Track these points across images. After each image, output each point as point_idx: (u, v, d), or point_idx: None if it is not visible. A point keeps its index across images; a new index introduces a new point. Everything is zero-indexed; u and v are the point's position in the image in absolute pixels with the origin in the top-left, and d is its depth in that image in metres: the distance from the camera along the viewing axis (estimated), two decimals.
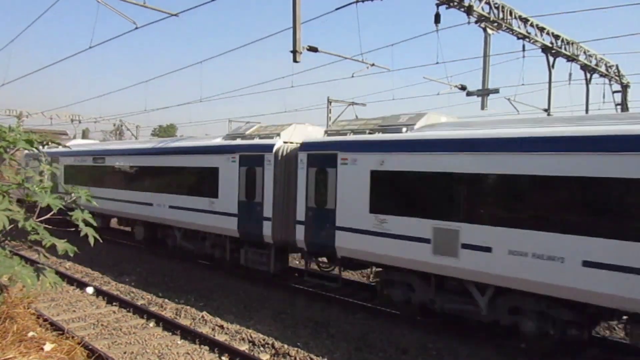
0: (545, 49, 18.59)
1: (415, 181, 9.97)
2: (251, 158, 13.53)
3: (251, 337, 9.46)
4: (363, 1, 12.95)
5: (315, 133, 13.48)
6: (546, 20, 18.31)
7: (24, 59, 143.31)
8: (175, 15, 13.12)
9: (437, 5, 14.40)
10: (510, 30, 16.82)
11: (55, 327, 9.37)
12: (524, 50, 17.68)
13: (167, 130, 79.08)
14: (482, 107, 16.89)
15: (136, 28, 13.50)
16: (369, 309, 11.53)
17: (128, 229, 21.22)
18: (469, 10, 15.05)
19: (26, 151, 22.37)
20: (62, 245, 5.35)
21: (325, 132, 12.77)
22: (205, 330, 9.98)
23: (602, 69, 21.93)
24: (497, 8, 16.11)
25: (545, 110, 19.40)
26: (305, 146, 12.24)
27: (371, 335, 9.87)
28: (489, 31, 15.97)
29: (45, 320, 9.58)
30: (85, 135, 54.83)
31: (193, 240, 16.15)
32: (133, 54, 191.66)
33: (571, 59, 19.90)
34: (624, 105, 23.02)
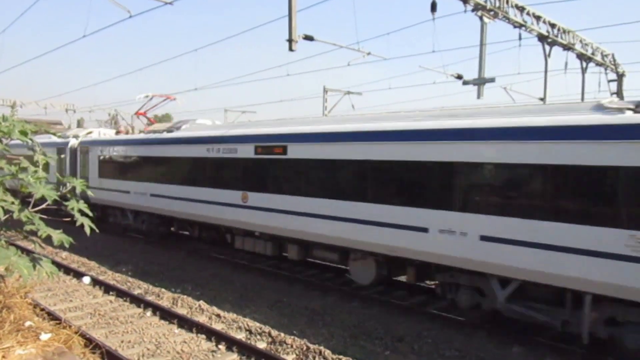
0: (542, 38, 18.57)
1: None
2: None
3: (248, 325, 9.52)
4: None
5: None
6: (542, 8, 18.25)
7: (16, 48, 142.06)
8: (170, 3, 13.02)
9: None
10: (507, 18, 16.79)
11: (53, 317, 9.37)
12: (520, 39, 17.68)
13: (162, 120, 78.74)
14: (478, 96, 16.92)
15: (130, 16, 13.42)
16: (365, 297, 11.60)
17: None
18: None
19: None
20: (57, 236, 5.35)
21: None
22: (202, 319, 10.03)
23: (598, 57, 21.95)
24: None
25: (541, 99, 19.43)
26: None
27: (367, 324, 9.95)
28: (485, 20, 15.95)
29: (42, 309, 9.61)
30: (80, 125, 54.53)
31: None
32: (127, 43, 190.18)
33: (567, 47, 19.90)
34: (619, 94, 23.07)
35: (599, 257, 7.30)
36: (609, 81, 23.26)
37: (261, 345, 8.72)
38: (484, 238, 8.51)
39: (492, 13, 15.98)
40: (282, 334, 8.94)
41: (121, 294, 11.71)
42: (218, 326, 9.62)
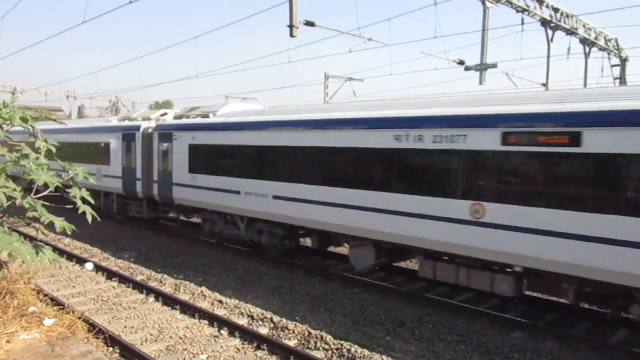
0: (544, 23, 18.41)
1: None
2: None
3: (250, 311, 9.58)
4: None
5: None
6: None
7: (16, 34, 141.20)
8: None
9: None
10: (509, 3, 16.65)
11: (56, 302, 9.46)
12: (522, 24, 17.52)
13: (162, 107, 78.53)
14: (480, 82, 16.83)
15: (130, 2, 13.31)
16: (366, 283, 11.66)
17: None
18: None
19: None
20: (60, 223, 5.37)
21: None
22: (204, 305, 10.10)
23: (601, 42, 21.77)
24: None
25: (544, 84, 19.31)
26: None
27: (368, 309, 10.01)
28: (488, 4, 15.81)
29: (45, 295, 9.67)
30: (80, 111, 54.42)
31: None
32: (127, 29, 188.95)
33: (570, 32, 19.74)
34: (622, 79, 22.92)
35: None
36: (612, 66, 23.10)
37: (263, 330, 8.79)
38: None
39: None
40: (284, 320, 9.00)
41: (124, 280, 11.78)
42: (220, 312, 9.69)
